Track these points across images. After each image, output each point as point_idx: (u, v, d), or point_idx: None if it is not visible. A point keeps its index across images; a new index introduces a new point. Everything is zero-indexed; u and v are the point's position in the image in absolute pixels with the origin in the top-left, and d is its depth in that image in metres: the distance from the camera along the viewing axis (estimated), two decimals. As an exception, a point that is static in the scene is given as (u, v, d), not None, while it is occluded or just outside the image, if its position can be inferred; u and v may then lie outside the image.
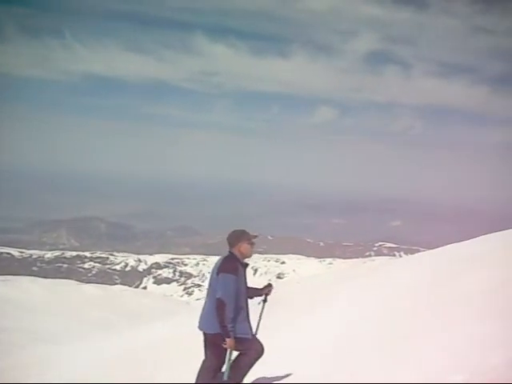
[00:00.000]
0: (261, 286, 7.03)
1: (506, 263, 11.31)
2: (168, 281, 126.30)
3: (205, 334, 6.54)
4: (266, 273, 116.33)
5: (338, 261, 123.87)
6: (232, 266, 6.44)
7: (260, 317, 7.02)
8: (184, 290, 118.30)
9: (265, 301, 7.03)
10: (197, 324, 6.62)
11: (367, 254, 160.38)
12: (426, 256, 19.43)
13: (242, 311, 6.46)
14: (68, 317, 26.89)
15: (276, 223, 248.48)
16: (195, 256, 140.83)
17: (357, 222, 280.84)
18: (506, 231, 17.37)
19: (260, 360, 6.59)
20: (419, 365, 6.36)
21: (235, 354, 6.51)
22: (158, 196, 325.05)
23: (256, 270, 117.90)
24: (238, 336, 6.34)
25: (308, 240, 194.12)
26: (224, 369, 6.47)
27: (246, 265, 6.70)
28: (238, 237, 6.71)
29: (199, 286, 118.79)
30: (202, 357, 6.67)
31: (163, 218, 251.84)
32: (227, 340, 6.24)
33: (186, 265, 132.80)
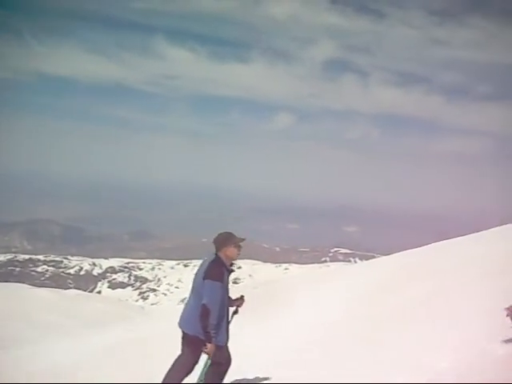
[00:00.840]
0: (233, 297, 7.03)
1: (454, 270, 11.60)
2: (123, 285, 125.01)
3: (184, 332, 6.54)
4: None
5: (294, 266, 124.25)
6: (218, 273, 6.39)
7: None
8: (139, 294, 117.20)
9: (235, 312, 6.99)
10: (153, 327, 6.64)
11: (323, 259, 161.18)
12: (380, 262, 19.73)
13: (223, 318, 6.45)
14: (20, 321, 26.45)
15: (232, 228, 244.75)
16: (151, 260, 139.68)
17: (313, 228, 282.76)
18: (457, 239, 17.80)
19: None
20: (371, 366, 6.52)
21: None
22: (115, 199, 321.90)
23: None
24: (216, 343, 6.32)
25: (264, 245, 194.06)
26: (199, 372, 6.43)
27: (232, 271, 6.67)
28: (225, 240, 6.67)
29: (154, 290, 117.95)
30: (158, 360, 6.68)
31: (119, 222, 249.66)
32: (208, 345, 6.22)
33: (141, 269, 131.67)
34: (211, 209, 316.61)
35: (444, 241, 18.44)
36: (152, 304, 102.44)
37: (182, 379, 6.46)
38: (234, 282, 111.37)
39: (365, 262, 34.87)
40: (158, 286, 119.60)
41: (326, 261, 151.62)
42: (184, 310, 6.64)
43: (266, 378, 7.53)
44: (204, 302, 6.19)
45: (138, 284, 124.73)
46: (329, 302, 12.28)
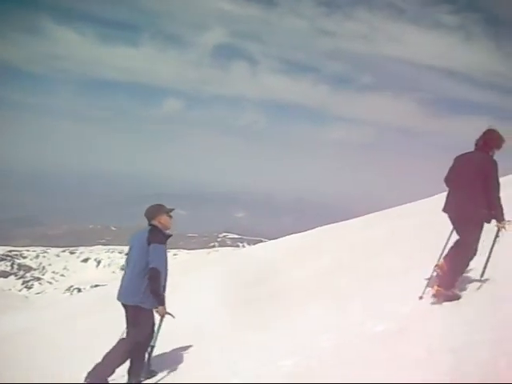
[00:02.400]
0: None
1: (336, 252, 12.09)
2: (5, 274, 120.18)
3: (125, 306, 6.80)
4: (109, 265, 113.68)
5: (183, 251, 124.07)
6: (161, 237, 6.87)
7: None
8: (23, 283, 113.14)
9: None
10: (39, 317, 6.56)
11: (211, 244, 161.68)
12: (267, 246, 20.16)
13: (165, 281, 6.88)
14: None
15: (119, 213, 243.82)
16: (35, 248, 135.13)
17: (201, 213, 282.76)
18: (341, 223, 18.46)
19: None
20: (254, 351, 6.71)
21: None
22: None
23: (99, 262, 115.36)
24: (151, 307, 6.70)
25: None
26: (154, 336, 6.82)
27: (169, 235, 7.13)
28: (157, 209, 7.25)
29: (39, 279, 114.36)
30: (46, 351, 6.60)
31: (1, 207, 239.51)
32: (160, 308, 6.65)
33: (25, 257, 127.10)
34: (97, 194, 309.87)
35: (329, 225, 19.07)
36: (37, 293, 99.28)
37: (125, 360, 6.58)
38: (122, 269, 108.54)
39: (252, 246, 35.39)
40: (43, 275, 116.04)
41: (214, 246, 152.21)
42: (121, 284, 6.93)
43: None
44: (153, 265, 6.57)
45: (21, 273, 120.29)
46: (214, 287, 12.49)
